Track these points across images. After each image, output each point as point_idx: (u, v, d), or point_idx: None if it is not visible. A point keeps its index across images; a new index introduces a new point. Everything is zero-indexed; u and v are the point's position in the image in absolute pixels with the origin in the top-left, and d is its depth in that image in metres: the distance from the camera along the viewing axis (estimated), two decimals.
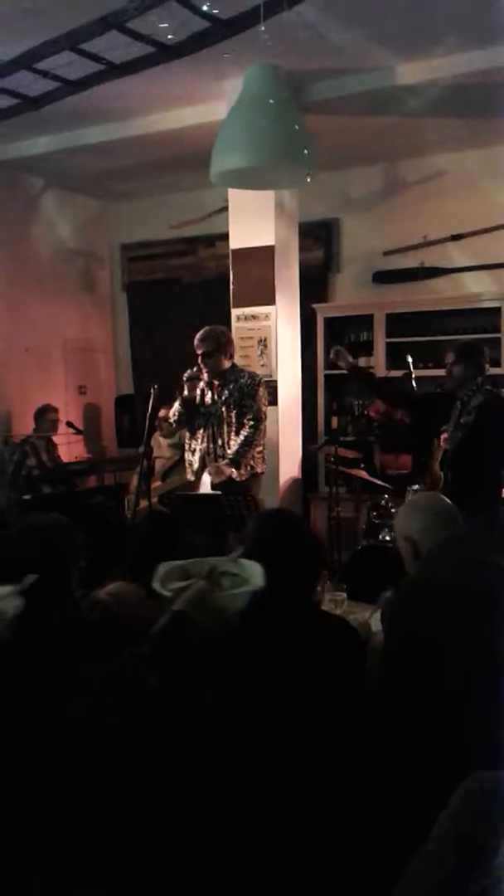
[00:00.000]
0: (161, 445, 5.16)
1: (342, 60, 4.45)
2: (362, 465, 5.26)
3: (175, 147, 5.51)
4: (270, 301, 5.07)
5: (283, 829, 1.53)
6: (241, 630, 1.83)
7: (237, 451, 4.23)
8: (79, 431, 6.23)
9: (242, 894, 1.48)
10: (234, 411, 4.28)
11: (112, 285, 7.49)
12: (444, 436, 4.03)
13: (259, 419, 4.28)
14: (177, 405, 4.43)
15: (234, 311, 5.17)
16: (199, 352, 4.29)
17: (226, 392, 4.30)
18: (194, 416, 4.38)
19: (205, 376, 4.34)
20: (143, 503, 4.70)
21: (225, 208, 5.30)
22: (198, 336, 4.32)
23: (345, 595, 2.85)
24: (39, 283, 6.58)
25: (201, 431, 4.36)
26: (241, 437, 4.23)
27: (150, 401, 4.56)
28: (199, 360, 4.29)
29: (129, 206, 7.18)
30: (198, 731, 1.55)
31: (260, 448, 4.35)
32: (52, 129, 5.47)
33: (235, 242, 5.14)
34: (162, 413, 5.09)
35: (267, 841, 1.50)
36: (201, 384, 4.38)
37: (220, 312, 5.41)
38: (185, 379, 4.38)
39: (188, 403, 4.37)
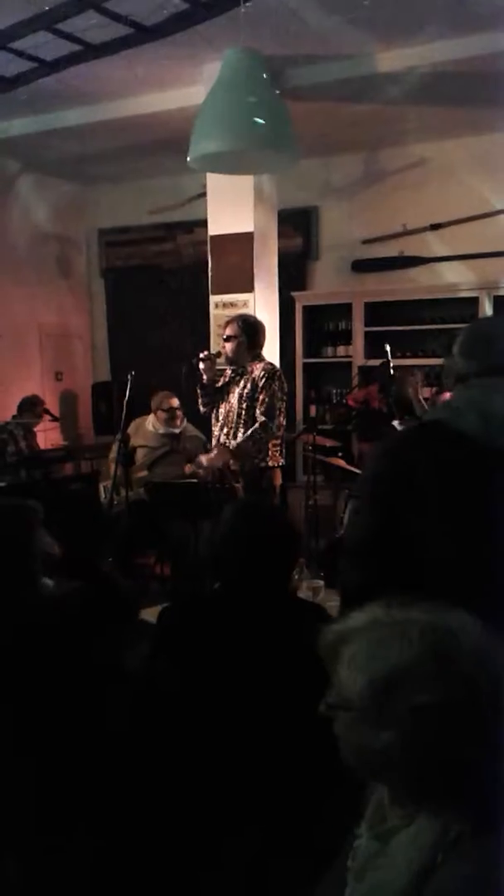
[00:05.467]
0: (148, 435, 5.06)
1: (322, 46, 4.42)
2: (340, 454, 5.27)
3: (153, 131, 5.45)
4: (249, 288, 5.04)
5: (255, 820, 1.53)
6: (213, 618, 1.83)
7: (239, 444, 4.12)
8: (55, 418, 6.19)
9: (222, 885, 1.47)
10: (245, 404, 4.17)
11: (89, 271, 7.41)
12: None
13: (270, 416, 4.13)
14: (199, 391, 4.36)
15: (213, 298, 5.14)
16: (222, 334, 4.30)
17: (241, 383, 4.22)
18: (216, 400, 4.31)
19: (222, 360, 4.30)
20: (123, 491, 4.65)
21: (203, 194, 5.26)
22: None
23: (322, 583, 2.86)
24: (15, 268, 6.50)
25: (221, 418, 4.29)
26: (249, 431, 4.12)
27: (128, 388, 4.52)
28: (221, 344, 4.31)
29: (106, 191, 7.10)
30: (165, 719, 1.54)
31: (276, 442, 4.24)
32: (28, 110, 5.38)
33: (214, 229, 5.10)
34: (165, 404, 5.00)
35: (240, 832, 1.50)
36: (227, 370, 4.33)
37: (198, 299, 5.38)
38: (200, 358, 4.30)
39: (206, 388, 4.31)
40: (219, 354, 4.33)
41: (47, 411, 6.05)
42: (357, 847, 1.17)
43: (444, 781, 1.05)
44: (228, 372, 4.35)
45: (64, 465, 6.15)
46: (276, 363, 5.43)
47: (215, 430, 4.35)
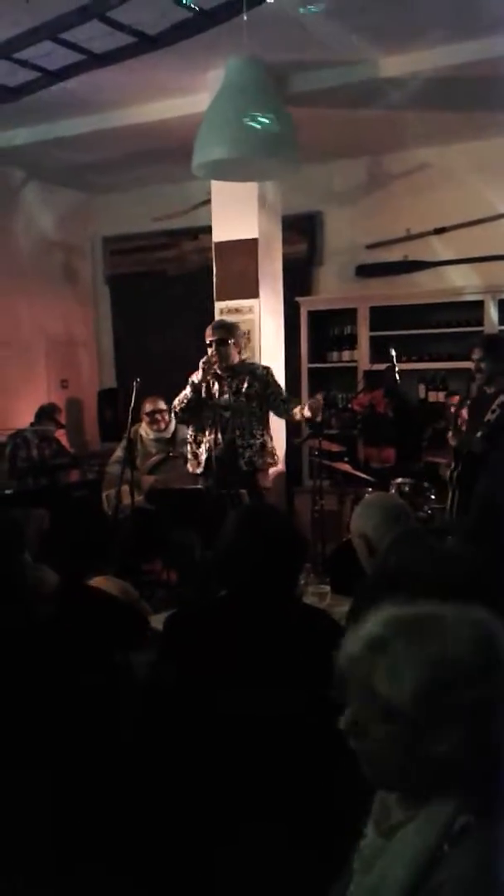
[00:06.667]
0: (144, 442, 5.10)
1: (324, 53, 4.43)
2: (346, 459, 5.26)
3: (157, 139, 5.47)
4: (254, 294, 5.05)
5: (264, 823, 1.53)
6: (220, 625, 1.83)
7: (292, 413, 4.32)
8: (61, 426, 6.21)
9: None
10: (256, 401, 4.29)
11: (94, 278, 7.44)
12: (449, 434, 4.00)
13: (287, 399, 4.38)
14: (186, 392, 4.35)
15: (218, 305, 5.15)
16: (211, 339, 4.29)
17: (243, 384, 4.29)
18: (202, 407, 4.34)
19: (215, 367, 4.30)
20: (126, 499, 4.66)
21: (208, 201, 5.28)
22: (211, 325, 4.38)
23: (328, 588, 2.85)
24: (20, 277, 6.52)
25: (210, 424, 4.32)
26: (289, 407, 4.33)
27: (133, 395, 4.53)
28: (212, 349, 4.28)
29: (111, 199, 7.12)
30: (172, 726, 1.54)
31: (271, 442, 4.38)
32: (33, 120, 5.41)
33: (218, 235, 5.12)
34: (148, 407, 5.07)
35: (250, 836, 1.50)
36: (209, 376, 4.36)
37: (203, 306, 5.38)
38: (201, 363, 4.32)
39: (198, 391, 4.32)
40: (212, 361, 4.32)
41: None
42: (363, 845, 1.17)
43: (457, 773, 1.04)
44: (210, 378, 4.35)
45: (70, 472, 6.17)
46: (283, 369, 5.48)
47: (202, 436, 4.35)
